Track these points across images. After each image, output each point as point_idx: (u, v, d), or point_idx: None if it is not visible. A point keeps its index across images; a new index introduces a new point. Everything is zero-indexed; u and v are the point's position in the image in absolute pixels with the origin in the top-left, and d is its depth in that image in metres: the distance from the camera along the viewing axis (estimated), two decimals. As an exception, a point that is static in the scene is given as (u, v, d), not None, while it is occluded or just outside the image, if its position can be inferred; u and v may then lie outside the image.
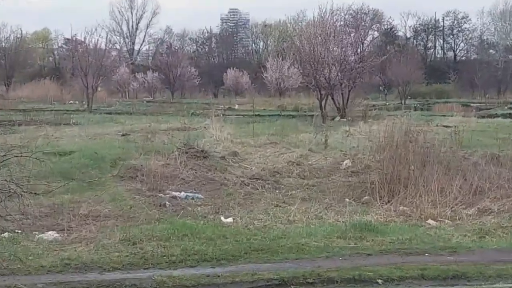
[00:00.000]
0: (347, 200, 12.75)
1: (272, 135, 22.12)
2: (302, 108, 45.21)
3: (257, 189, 13.90)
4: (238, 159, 17.24)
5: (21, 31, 76.57)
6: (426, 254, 8.56)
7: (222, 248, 8.62)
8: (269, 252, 8.56)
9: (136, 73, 74.87)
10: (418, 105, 51.63)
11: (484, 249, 8.91)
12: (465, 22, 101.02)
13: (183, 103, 54.09)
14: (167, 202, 12.22)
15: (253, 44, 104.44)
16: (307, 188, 14.11)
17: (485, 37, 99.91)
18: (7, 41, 74.23)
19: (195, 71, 74.54)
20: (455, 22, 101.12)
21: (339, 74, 36.15)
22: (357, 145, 18.34)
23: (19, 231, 9.59)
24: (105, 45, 52.83)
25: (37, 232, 9.58)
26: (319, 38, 36.03)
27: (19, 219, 10.10)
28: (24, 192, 8.92)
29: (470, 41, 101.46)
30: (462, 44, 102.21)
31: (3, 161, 8.65)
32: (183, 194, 13.08)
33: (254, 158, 17.42)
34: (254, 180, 14.64)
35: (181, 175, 14.59)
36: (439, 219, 11.17)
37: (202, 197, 13.10)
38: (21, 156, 8.93)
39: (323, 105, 36.16)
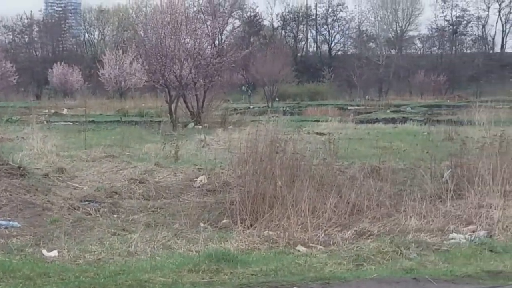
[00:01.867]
0: (201, 224, 12.78)
1: (109, 146, 21.91)
2: (147, 113, 45.11)
3: (90, 214, 13.64)
4: (66, 177, 16.90)
5: None
6: (295, 287, 8.73)
7: (43, 290, 8.38)
8: (103, 292, 8.42)
9: None
10: (287, 108, 53.06)
11: (362, 279, 9.19)
12: (341, 10, 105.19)
13: (-4, 107, 52.30)
14: (-28, 234, 11.74)
15: (86, 34, 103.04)
16: (153, 211, 14.02)
17: (364, 28, 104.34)
18: None
19: (12, 66, 72.35)
20: (330, 10, 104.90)
21: (192, 71, 36.37)
22: (214, 158, 18.50)
23: None
24: None
25: None
26: (168, 27, 36.07)
27: None
28: None
29: (347, 32, 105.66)
30: (338, 36, 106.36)
31: None
32: (-7, 222, 12.62)
33: (86, 176, 17.16)
34: (86, 202, 14.38)
35: (-9, 198, 14.07)
36: (311, 244, 11.43)
37: (19, 225, 12.67)
38: None
39: (173, 109, 36.20)
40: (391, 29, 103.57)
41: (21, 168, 16.08)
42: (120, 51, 64.60)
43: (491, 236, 11.74)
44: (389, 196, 14.06)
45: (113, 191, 15.53)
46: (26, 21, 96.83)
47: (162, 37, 35.97)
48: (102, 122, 36.74)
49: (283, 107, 54.50)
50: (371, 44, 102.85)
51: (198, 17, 39.51)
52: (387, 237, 11.49)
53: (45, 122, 30.60)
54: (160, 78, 36.46)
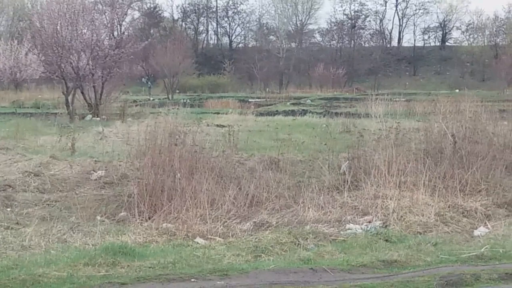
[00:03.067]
0: (98, 218, 12.63)
1: (3, 138, 21.40)
2: (44, 105, 44.29)
3: (-19, 208, 13.29)
4: (-43, 170, 16.39)
5: None
6: (193, 280, 8.71)
7: None
8: (-5, 287, 8.22)
9: None
10: (188, 100, 52.91)
11: (260, 270, 9.27)
12: (242, 3, 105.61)
13: None
14: None
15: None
16: (48, 205, 13.76)
17: (264, 21, 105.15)
18: None
19: None
20: (231, 2, 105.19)
21: (90, 62, 35.89)
22: (112, 150, 18.31)
23: None
24: None
25: None
26: (65, 17, 35.46)
27: None
28: None
29: (247, 25, 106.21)
30: (238, 29, 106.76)
31: None
32: None
33: (-23, 169, 16.67)
34: (-23, 197, 13.99)
35: None
36: (209, 236, 11.46)
37: None
38: None
39: (70, 100, 35.60)
40: (291, 22, 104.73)
41: None
42: (15, 42, 63.09)
43: (386, 226, 12.02)
44: (288, 187, 14.22)
45: (6, 184, 15.14)
46: None
47: (58, 27, 35.31)
48: (-4, 113, 35.88)
49: (184, 99, 54.36)
50: (271, 37, 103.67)
51: (96, 7, 39.05)
52: (286, 228, 11.62)
53: None
54: (57, 69, 35.79)
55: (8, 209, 13.32)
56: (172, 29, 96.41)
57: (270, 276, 8.98)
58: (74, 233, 11.53)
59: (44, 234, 11.28)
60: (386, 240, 11.07)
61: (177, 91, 66.29)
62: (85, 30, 36.80)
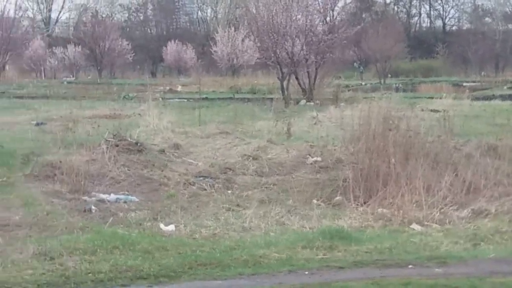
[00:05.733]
0: (314, 201, 12.82)
1: (223, 123, 22.12)
2: (259, 90, 45.27)
3: (205, 189, 13.89)
4: (181, 153, 17.19)
5: None
6: (410, 266, 8.64)
7: (161, 263, 8.57)
8: (219, 266, 8.54)
9: (54, 48, 73.95)
10: (400, 85, 52.30)
11: (479, 258, 9.04)
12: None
13: (113, 84, 53.70)
14: (93, 207, 12.10)
15: (199, 12, 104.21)
16: (266, 188, 14.14)
17: (479, 3, 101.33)
18: None
19: (128, 44, 74.04)
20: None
21: (304, 47, 36.31)
22: (326, 135, 18.40)
23: None
24: (14, 13, 52.02)
25: None
26: (280, 4, 36.09)
27: None
28: None
29: (461, 7, 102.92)
30: (452, 11, 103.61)
31: None
32: (113, 196, 12.98)
33: (200, 152, 17.40)
34: (201, 178, 14.62)
35: (110, 173, 14.47)
36: (426, 223, 11.31)
37: (137, 200, 13.02)
38: None
39: (285, 86, 36.29)
40: (508, 3, 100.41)
41: (139, 144, 16.46)
42: (232, 29, 65.07)
43: None
44: (507, 174, 13.69)
45: (227, 167, 15.71)
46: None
47: (273, 14, 36.04)
48: (215, 99, 37.15)
49: (396, 83, 53.73)
50: (486, 19, 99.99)
51: (310, -7, 39.29)
52: (506, 217, 11.23)
53: (160, 99, 31.14)
54: (272, 55, 36.59)
55: (229, 192, 13.84)
56: (384, 13, 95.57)
57: (490, 265, 8.73)
58: (291, 216, 11.79)
59: (263, 216, 11.62)
60: None
61: (389, 75, 65.67)
62: (299, 16, 37.28)
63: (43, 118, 23.98)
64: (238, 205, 12.62)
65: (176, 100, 36.93)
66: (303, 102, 34.59)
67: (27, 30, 59.21)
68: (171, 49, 74.61)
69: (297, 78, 37.14)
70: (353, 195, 12.78)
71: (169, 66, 78.50)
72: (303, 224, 11.24)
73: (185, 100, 36.52)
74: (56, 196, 12.71)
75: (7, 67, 51.18)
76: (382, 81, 60.35)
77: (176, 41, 75.50)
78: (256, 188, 14.05)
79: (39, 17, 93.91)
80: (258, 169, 15.67)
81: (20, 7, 60.46)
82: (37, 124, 22.08)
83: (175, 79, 62.84)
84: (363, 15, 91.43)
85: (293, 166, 15.90)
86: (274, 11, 36.04)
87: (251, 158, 16.36)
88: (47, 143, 16.78)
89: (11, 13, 50.31)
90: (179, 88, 50.16)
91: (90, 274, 8.14)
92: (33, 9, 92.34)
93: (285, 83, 36.44)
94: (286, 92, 35.73)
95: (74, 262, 8.53)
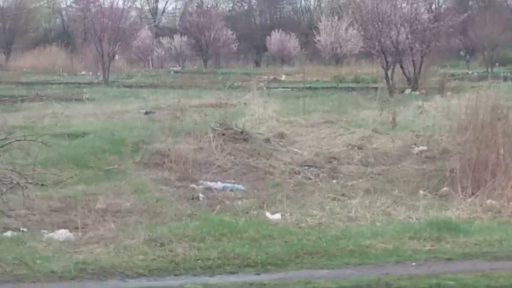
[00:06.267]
0: (421, 192, 12.68)
1: (327, 112, 22.06)
2: (363, 79, 44.94)
3: (310, 178, 13.93)
4: (286, 142, 17.26)
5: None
6: (521, 260, 8.48)
7: (268, 251, 8.65)
8: (325, 255, 8.57)
9: (161, 38, 75.16)
10: (508, 73, 50.80)
11: None
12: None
13: (218, 73, 54.25)
14: (200, 195, 12.32)
15: (303, 1, 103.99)
16: (371, 178, 14.08)
17: None
18: (5, 1, 75.17)
19: (232, 34, 74.45)
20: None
21: (409, 36, 35.81)
22: (432, 124, 18.15)
23: (24, 230, 9.78)
24: (123, 4, 53.15)
25: (45, 231, 9.75)
26: (384, -8, 35.73)
27: (24, 215, 10.31)
28: (28, 183, 9.00)
29: None
30: None
31: (3, 145, 8.73)
32: (219, 184, 13.17)
33: (305, 141, 17.41)
34: (306, 167, 14.67)
35: (217, 161, 14.68)
36: (537, 215, 11.03)
37: (243, 188, 13.17)
38: (25, 139, 9.05)
39: (389, 75, 35.86)
40: None
41: (244, 133, 16.60)
42: (336, 17, 64.67)
43: None
44: None
45: (331, 156, 15.71)
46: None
47: (378, 2, 35.66)
48: (319, 88, 37.02)
49: (504, 72, 52.27)
50: None
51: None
52: None
53: (264, 88, 31.27)
54: (377, 44, 36.22)
55: (334, 181, 13.83)
56: (491, 0, 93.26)
57: None
58: (397, 206, 11.69)
59: (368, 206, 11.56)
60: None
61: (497, 64, 63.98)
62: (404, 4, 36.81)
63: (151, 107, 24.46)
64: (343, 195, 12.61)
65: (280, 89, 37.01)
66: (408, 91, 34.15)
67: (135, 21, 60.34)
68: (275, 38, 74.64)
69: (402, 67, 36.67)
70: (461, 186, 12.56)
71: (273, 56, 78.51)
72: (409, 214, 11.13)
73: (289, 89, 36.55)
74: (165, 184, 13.00)
75: (116, 57, 52.36)
76: (489, 69, 58.85)
77: (280, 30, 75.48)
78: (361, 178, 13.99)
79: (146, 7, 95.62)
80: (363, 158, 15.60)
81: (129, -2, 61.68)
82: (146, 113, 22.54)
83: (279, 69, 62.81)
84: (470, 3, 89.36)
85: (399, 156, 15.76)
86: (378, -1, 35.71)
87: (356, 147, 16.30)
88: (155, 132, 17.12)
89: (120, 4, 51.23)
90: (283, 77, 50.22)
91: (199, 261, 8.30)
92: (140, 0, 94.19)
93: (389, 72, 36.02)
94: (390, 81, 35.33)
95: (183, 248, 8.70)
